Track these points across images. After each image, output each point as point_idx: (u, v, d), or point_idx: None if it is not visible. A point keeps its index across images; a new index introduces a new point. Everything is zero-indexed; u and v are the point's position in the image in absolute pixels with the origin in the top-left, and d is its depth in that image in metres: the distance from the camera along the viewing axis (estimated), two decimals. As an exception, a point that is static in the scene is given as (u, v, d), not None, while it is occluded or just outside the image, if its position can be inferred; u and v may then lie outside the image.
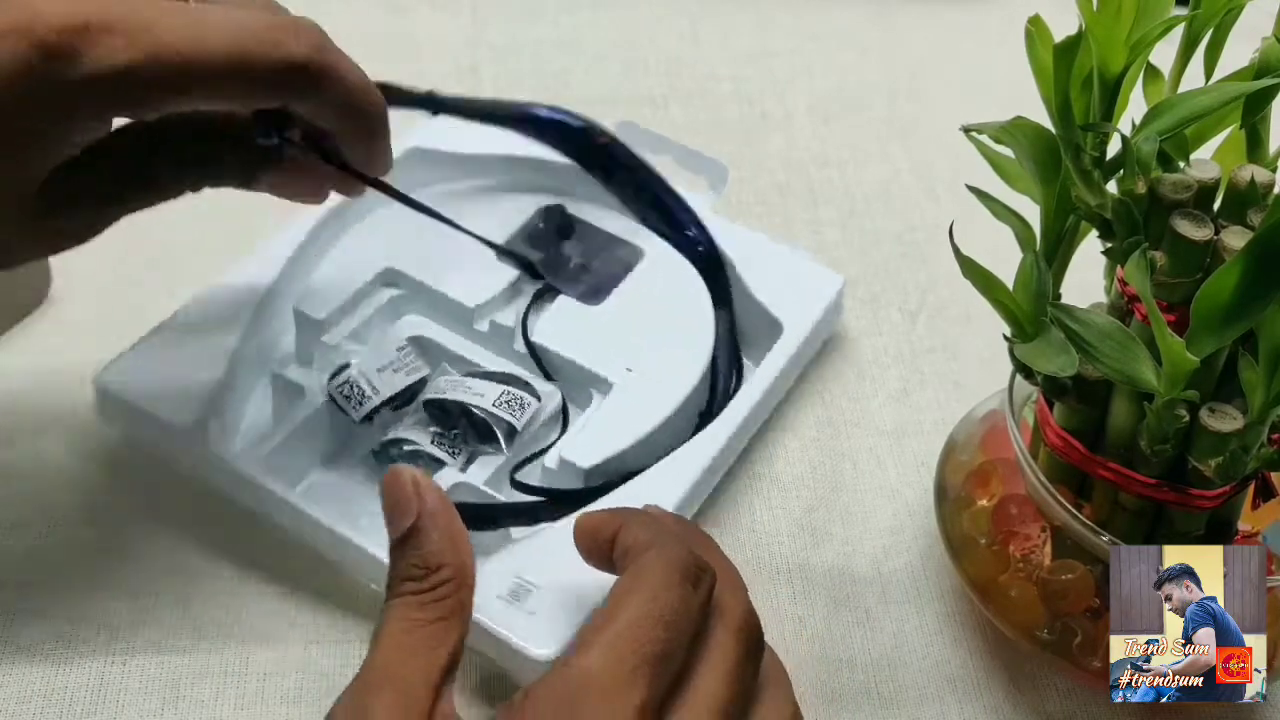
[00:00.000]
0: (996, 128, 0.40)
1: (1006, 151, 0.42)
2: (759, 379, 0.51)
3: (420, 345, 0.52)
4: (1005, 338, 0.42)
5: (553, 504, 0.47)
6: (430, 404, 0.49)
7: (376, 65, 0.44)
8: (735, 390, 0.52)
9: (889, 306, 0.59)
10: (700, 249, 0.55)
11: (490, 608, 0.43)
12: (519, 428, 0.48)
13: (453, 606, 0.34)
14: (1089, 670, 0.43)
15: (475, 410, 0.48)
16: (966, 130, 0.41)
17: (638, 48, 0.72)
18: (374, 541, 0.44)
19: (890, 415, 0.55)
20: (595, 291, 0.54)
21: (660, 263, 0.55)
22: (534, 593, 0.43)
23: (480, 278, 0.53)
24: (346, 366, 0.50)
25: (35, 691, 0.44)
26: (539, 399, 0.49)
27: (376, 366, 0.50)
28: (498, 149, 0.58)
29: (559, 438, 0.49)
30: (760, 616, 0.48)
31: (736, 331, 0.54)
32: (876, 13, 0.75)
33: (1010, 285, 0.41)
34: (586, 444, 0.48)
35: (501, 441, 0.48)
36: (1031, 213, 0.42)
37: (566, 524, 0.42)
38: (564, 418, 0.50)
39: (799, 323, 0.53)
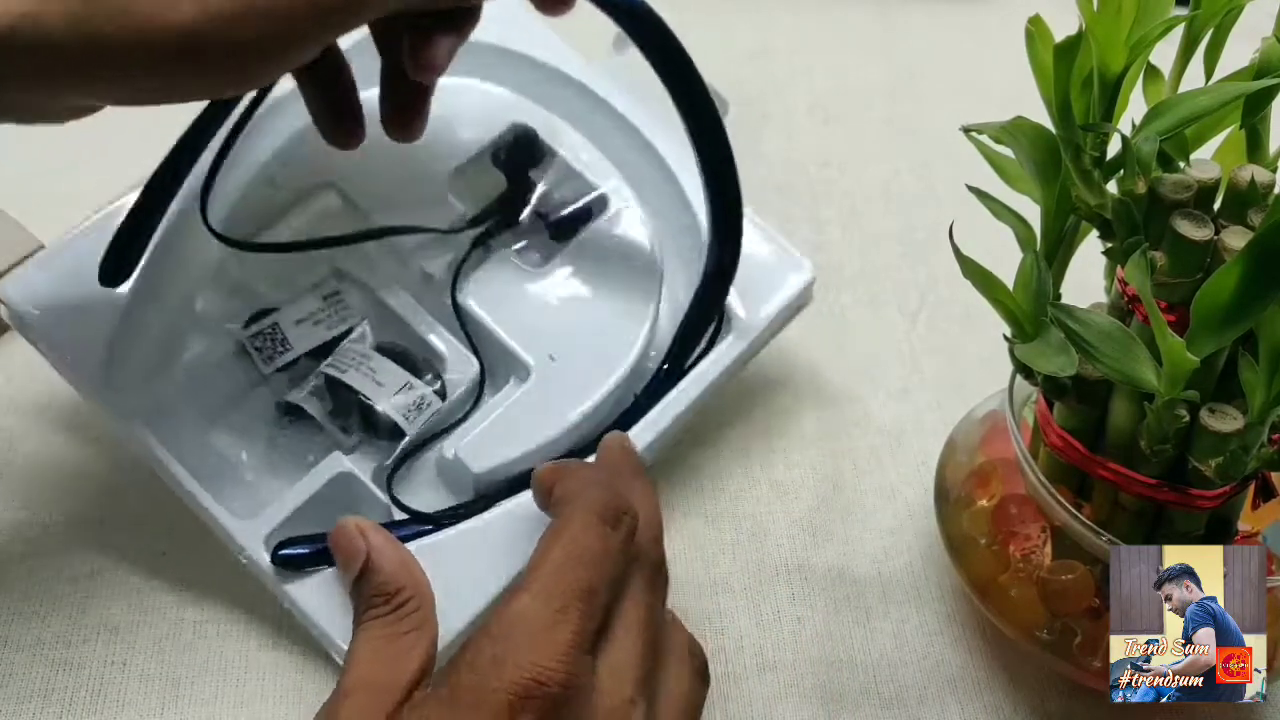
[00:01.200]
0: (996, 128, 0.40)
1: (1006, 151, 0.41)
2: (694, 381, 0.48)
3: (342, 280, 0.49)
4: (1005, 338, 0.42)
5: (422, 521, 0.46)
6: (330, 379, 0.47)
7: (372, 66, 0.44)
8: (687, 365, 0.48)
9: (889, 306, 0.59)
10: (715, 178, 0.48)
11: (335, 618, 0.43)
12: (409, 433, 0.46)
13: (418, 620, 0.37)
14: (1089, 670, 0.43)
15: (371, 405, 0.46)
16: (966, 130, 0.41)
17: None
18: (235, 510, 0.45)
19: (890, 415, 0.55)
20: (544, 243, 0.50)
21: (621, 222, 0.51)
22: None
23: (422, 210, 0.49)
24: (267, 313, 0.48)
25: (35, 691, 0.44)
26: (443, 397, 0.47)
27: (296, 318, 0.48)
28: (491, 36, 0.51)
29: (457, 422, 0.47)
30: (761, 616, 0.48)
31: (724, 295, 0.49)
32: (876, 13, 0.75)
33: (1010, 285, 0.41)
34: (482, 445, 0.46)
35: (380, 443, 0.47)
36: (1031, 213, 0.42)
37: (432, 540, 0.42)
38: (477, 397, 0.48)
39: (754, 317, 0.50)
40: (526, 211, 0.51)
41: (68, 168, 0.63)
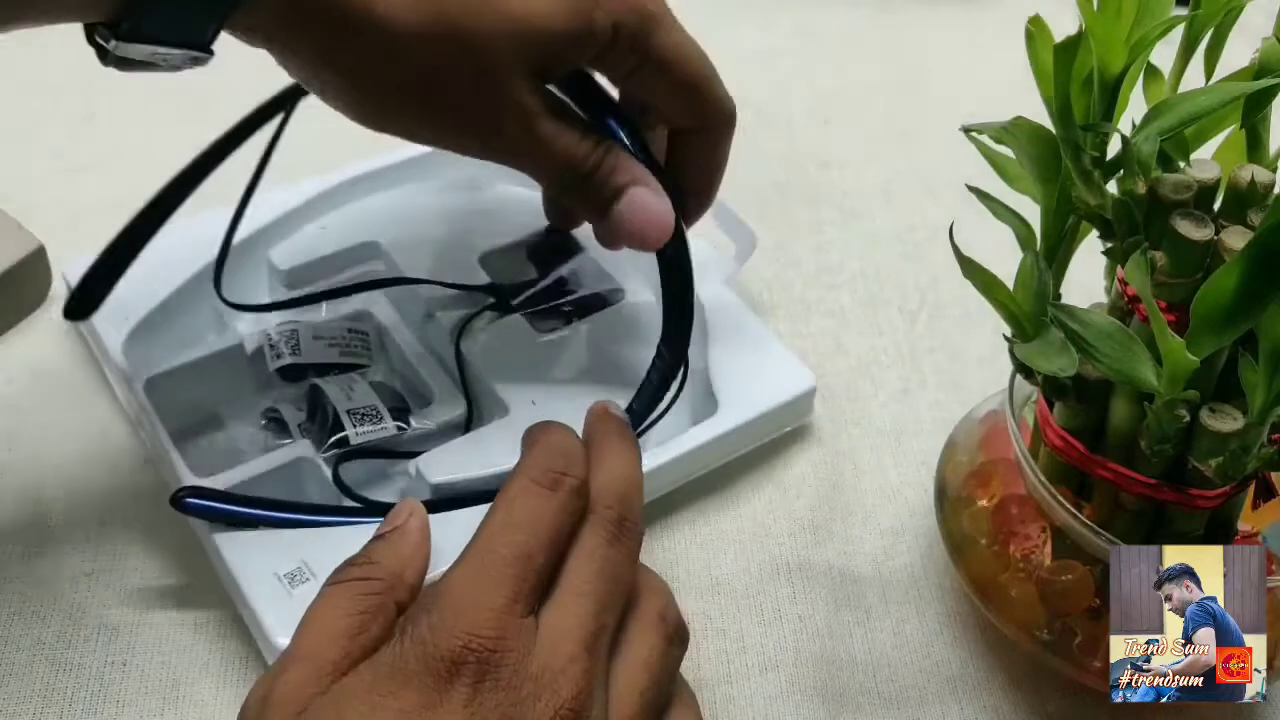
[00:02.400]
0: (996, 128, 0.40)
1: (1006, 151, 0.42)
2: (653, 456, 0.49)
3: (361, 319, 0.53)
4: (1005, 338, 0.42)
5: (364, 505, 0.47)
6: (314, 388, 0.49)
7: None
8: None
9: (889, 306, 0.59)
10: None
11: (261, 580, 0.43)
12: (351, 441, 0.47)
13: (378, 605, 0.36)
14: (1089, 670, 0.43)
15: (332, 407, 0.48)
16: (966, 130, 0.41)
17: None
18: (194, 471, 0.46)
19: (890, 415, 0.55)
20: (557, 315, 0.53)
21: (635, 311, 0.54)
22: (309, 583, 0.43)
23: (451, 275, 0.53)
24: (297, 322, 0.51)
25: (35, 692, 0.44)
26: (404, 427, 0.48)
27: (314, 334, 0.50)
28: None
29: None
30: (762, 616, 0.48)
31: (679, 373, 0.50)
32: (876, 13, 0.76)
33: (1010, 285, 0.41)
34: (442, 460, 0.47)
35: (325, 443, 0.47)
36: (1031, 213, 0.42)
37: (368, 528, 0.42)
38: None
39: (738, 407, 0.51)
40: (544, 283, 0.54)
41: (68, 168, 0.63)
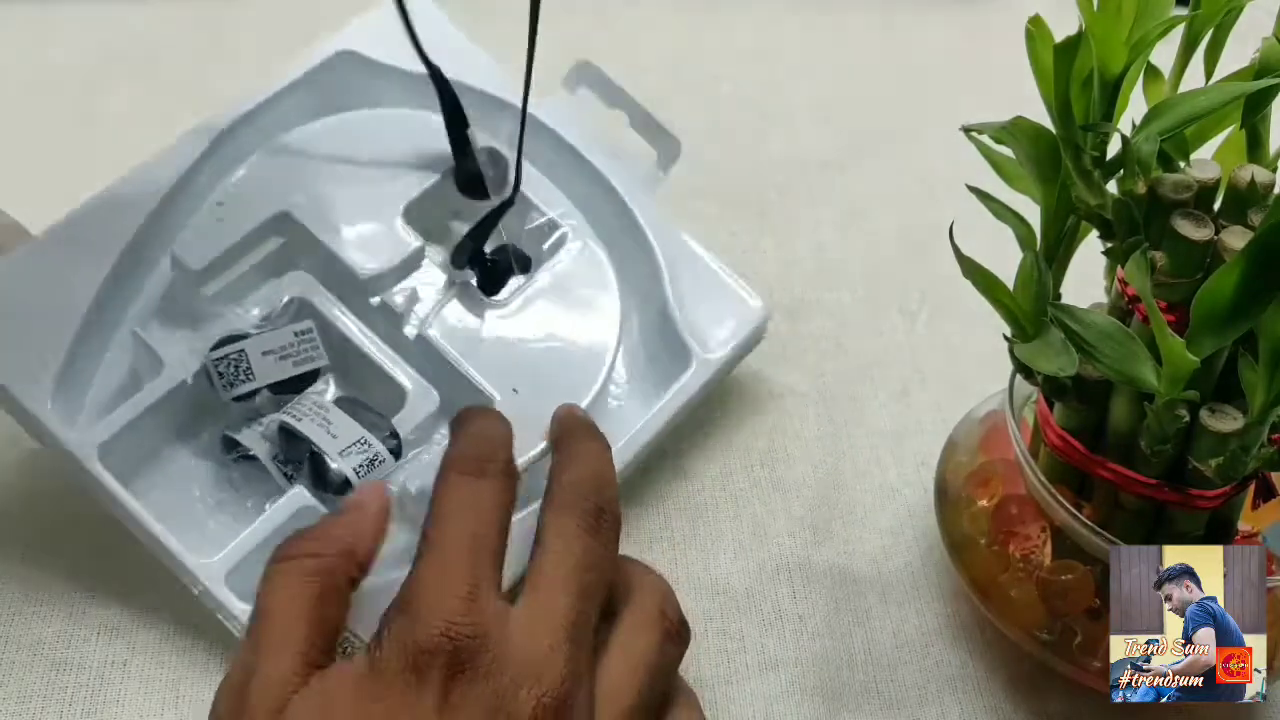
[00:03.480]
0: (996, 128, 0.40)
1: (1006, 151, 0.42)
2: (655, 419, 0.49)
3: (302, 308, 0.48)
4: (1005, 338, 0.42)
5: None
6: (284, 427, 0.45)
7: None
8: None
9: (889, 306, 0.59)
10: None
11: None
12: (355, 483, 0.45)
13: (331, 585, 0.36)
14: (1089, 670, 0.43)
15: (322, 454, 0.45)
16: (966, 130, 0.41)
17: (638, 48, 0.72)
18: (193, 547, 0.43)
19: (890, 415, 0.55)
20: (505, 271, 0.51)
21: (581, 256, 0.52)
22: (360, 652, 0.40)
23: (380, 241, 0.48)
24: (236, 339, 0.46)
25: (35, 691, 0.44)
26: (397, 455, 0.46)
27: (264, 349, 0.46)
28: (446, 67, 0.49)
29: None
30: (762, 616, 0.48)
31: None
32: (877, 12, 0.75)
33: (1010, 285, 0.41)
34: (428, 471, 0.43)
35: (326, 491, 0.45)
36: (1031, 213, 0.42)
37: None
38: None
39: (711, 353, 0.51)
40: (491, 249, 0.51)
41: (69, 168, 0.63)
